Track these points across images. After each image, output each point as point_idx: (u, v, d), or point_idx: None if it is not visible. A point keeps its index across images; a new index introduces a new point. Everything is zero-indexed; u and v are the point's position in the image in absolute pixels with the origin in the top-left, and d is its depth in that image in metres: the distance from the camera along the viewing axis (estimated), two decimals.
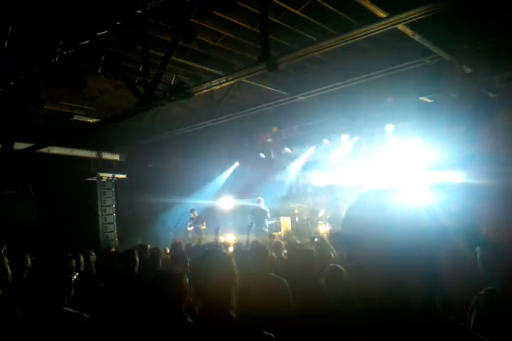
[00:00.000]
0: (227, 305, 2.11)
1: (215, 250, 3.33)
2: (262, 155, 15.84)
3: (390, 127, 11.95)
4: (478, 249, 2.37)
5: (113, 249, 7.49)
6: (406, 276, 1.10)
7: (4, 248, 5.42)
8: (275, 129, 14.41)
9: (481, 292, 2.34)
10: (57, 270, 2.44)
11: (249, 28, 7.89)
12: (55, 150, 13.54)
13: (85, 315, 2.53)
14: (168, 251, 8.08)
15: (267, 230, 13.52)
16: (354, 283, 1.19)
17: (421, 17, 6.10)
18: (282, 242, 7.53)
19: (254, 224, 11.63)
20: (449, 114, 9.45)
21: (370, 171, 11.84)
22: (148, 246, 6.51)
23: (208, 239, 13.04)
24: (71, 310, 2.51)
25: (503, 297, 2.17)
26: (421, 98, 10.62)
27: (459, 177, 9.07)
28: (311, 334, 3.24)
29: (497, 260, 2.23)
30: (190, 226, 14.79)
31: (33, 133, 10.79)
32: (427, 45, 7.98)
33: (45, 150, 11.54)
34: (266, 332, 2.06)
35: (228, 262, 2.21)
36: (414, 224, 1.14)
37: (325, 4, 7.29)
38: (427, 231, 1.14)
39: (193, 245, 9.24)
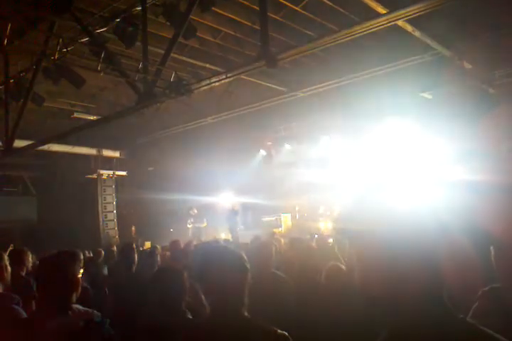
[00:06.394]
0: (241, 303, 2.04)
1: (226, 246, 3.27)
2: (263, 152, 15.84)
3: (390, 123, 11.92)
4: (492, 248, 2.36)
5: (114, 247, 7.49)
6: (406, 272, 1.10)
7: (10, 248, 5.42)
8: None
9: (486, 288, 2.33)
10: (67, 267, 2.42)
11: (249, 24, 7.87)
12: (56, 147, 13.53)
13: (95, 312, 2.51)
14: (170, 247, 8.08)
15: None
16: (358, 280, 1.18)
17: (421, 13, 6.08)
18: (282, 239, 7.53)
19: None
20: (449, 110, 9.44)
21: (369, 167, 11.83)
22: (148, 243, 6.50)
23: (209, 236, 13.07)
24: (81, 307, 2.49)
25: (505, 295, 2.17)
26: (421, 94, 10.61)
27: (460, 172, 9.06)
28: (311, 332, 3.24)
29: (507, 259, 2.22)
30: (189, 224, 14.81)
31: (33, 130, 10.79)
32: (427, 41, 7.96)
33: (45, 147, 11.52)
34: (280, 331, 2.01)
35: (241, 258, 2.14)
36: (413, 220, 1.14)
37: (325, 0, 7.27)
38: (427, 227, 1.14)
39: (194, 242, 9.24)
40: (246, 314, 2.06)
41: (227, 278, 2.01)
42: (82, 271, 2.74)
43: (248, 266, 2.12)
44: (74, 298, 2.37)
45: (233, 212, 14.20)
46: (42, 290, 2.41)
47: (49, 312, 2.27)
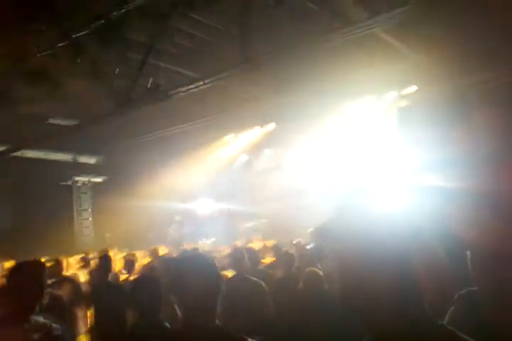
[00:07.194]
0: (213, 313, 2.02)
1: (199, 253, 3.26)
2: (243, 157, 15.83)
3: (366, 129, 12.02)
4: (468, 252, 2.39)
5: (90, 255, 7.37)
6: (382, 280, 1.10)
7: None
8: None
9: (463, 291, 2.36)
10: (32, 276, 2.36)
11: (228, 29, 7.87)
12: (30, 153, 13.25)
13: (54, 325, 2.43)
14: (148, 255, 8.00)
15: None
16: (338, 287, 1.18)
17: (399, 20, 6.16)
18: (260, 246, 7.52)
19: None
20: (426, 116, 9.55)
21: (346, 173, 11.91)
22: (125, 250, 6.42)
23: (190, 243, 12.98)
24: (41, 319, 2.42)
25: (481, 298, 2.20)
26: (398, 101, 10.75)
27: (433, 179, 9.16)
28: (291, 336, 3.24)
29: (482, 262, 2.25)
30: (172, 231, 14.75)
31: (7, 136, 10.58)
32: (404, 48, 8.06)
33: (18, 153, 11.31)
34: (250, 340, 1.99)
35: (213, 266, 2.12)
36: (387, 227, 1.14)
37: (307, 4, 7.29)
38: (400, 234, 1.14)
39: (173, 249, 9.18)
40: (217, 323, 2.03)
41: (199, 287, 1.99)
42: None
43: (221, 274, 2.11)
44: (36, 309, 2.32)
45: (228, 217, 14.29)
46: (4, 300, 2.36)
47: (2, 324, 2.21)
